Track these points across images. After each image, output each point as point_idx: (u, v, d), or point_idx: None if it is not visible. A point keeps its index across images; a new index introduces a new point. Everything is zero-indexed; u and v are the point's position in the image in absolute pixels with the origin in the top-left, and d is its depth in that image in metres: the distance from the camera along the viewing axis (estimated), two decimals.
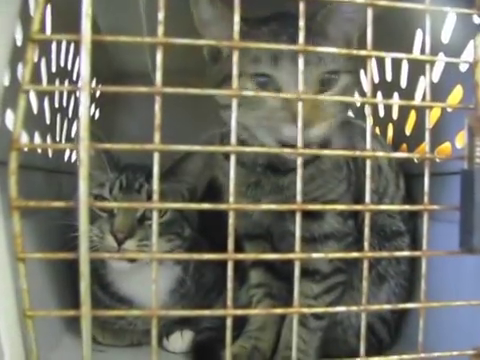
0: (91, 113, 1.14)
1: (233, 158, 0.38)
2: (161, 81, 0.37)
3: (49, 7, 0.70)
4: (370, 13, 0.40)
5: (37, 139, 0.71)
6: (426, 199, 0.42)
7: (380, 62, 0.93)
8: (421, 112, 0.80)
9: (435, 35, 0.72)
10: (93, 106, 1.15)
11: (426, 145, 0.41)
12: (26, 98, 0.38)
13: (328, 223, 0.65)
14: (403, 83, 0.84)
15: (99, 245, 0.69)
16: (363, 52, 0.41)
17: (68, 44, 0.82)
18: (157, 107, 0.36)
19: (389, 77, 0.89)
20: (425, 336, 0.41)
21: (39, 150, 0.73)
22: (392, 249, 0.73)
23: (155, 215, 0.38)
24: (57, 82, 0.79)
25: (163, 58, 0.37)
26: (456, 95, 0.69)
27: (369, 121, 0.40)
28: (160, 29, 0.38)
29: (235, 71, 0.38)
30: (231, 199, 0.38)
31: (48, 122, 0.77)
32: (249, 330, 0.72)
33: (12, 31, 0.46)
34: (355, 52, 0.41)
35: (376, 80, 0.95)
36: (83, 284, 0.37)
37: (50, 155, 0.78)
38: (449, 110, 0.71)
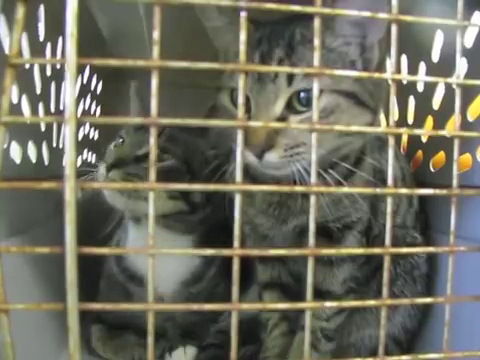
0: (92, 111, 1.10)
1: (238, 198, 0.33)
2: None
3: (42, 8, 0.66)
4: (394, 30, 0.36)
5: (30, 148, 0.67)
6: (452, 239, 0.37)
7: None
8: (439, 118, 0.75)
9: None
10: (94, 103, 1.10)
11: (454, 179, 0.37)
12: (5, 131, 0.33)
13: (347, 246, 0.62)
14: (420, 87, 0.79)
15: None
16: (386, 75, 0.36)
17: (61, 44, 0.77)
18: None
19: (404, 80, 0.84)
20: None
21: (33, 159, 0.69)
22: (408, 265, 0.70)
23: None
24: (53, 85, 0.74)
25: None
26: (478, 106, 0.65)
27: (392, 153, 0.35)
28: (155, 50, 0.33)
29: (241, 99, 0.34)
30: (236, 244, 0.34)
31: (43, 129, 0.72)
32: (267, 357, 0.69)
33: None
34: (377, 75, 0.36)
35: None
36: (72, 337, 0.33)
37: (46, 163, 0.74)
38: (470, 120, 0.66)
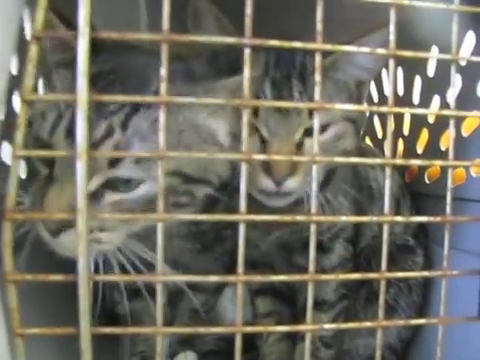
0: None
1: (242, 229, 0.35)
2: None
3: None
4: (392, 65, 0.37)
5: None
6: (445, 264, 0.39)
7: None
8: (434, 131, 0.77)
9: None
10: None
11: (447, 206, 0.39)
12: (18, 164, 0.35)
13: (337, 255, 0.65)
14: (415, 99, 0.81)
15: None
16: (384, 109, 0.37)
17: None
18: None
19: (401, 91, 0.86)
20: None
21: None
22: (402, 270, 0.71)
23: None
24: None
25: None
26: (472, 121, 0.67)
27: (389, 183, 0.37)
28: (163, 86, 0.35)
29: (245, 133, 0.35)
30: (240, 270, 0.36)
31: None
32: None
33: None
34: (375, 108, 0.38)
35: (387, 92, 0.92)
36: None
37: None
38: (464, 135, 0.68)
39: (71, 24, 0.44)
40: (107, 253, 0.46)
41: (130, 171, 0.44)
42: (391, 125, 0.37)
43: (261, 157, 0.38)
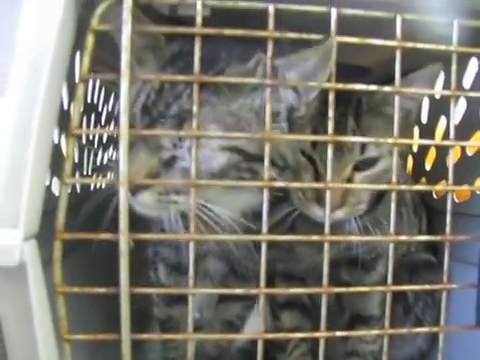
0: None
1: (264, 247, 0.40)
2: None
3: None
4: (397, 102, 0.42)
5: None
6: (445, 278, 0.44)
7: None
8: (441, 149, 0.81)
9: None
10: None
11: (447, 227, 0.43)
12: (66, 189, 0.40)
13: (379, 274, 0.67)
14: (424, 119, 0.85)
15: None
16: (390, 140, 0.42)
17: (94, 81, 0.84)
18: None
19: None
20: None
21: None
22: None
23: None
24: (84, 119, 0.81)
25: None
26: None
27: (393, 207, 0.42)
28: (194, 122, 0.40)
29: (266, 162, 0.40)
30: (262, 284, 0.40)
31: (77, 160, 0.79)
32: None
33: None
34: (381, 140, 0.42)
35: None
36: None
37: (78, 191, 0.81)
38: (469, 154, 0.72)
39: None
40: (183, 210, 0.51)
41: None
42: (396, 155, 0.42)
43: (280, 184, 0.43)
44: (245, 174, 0.51)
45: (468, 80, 0.72)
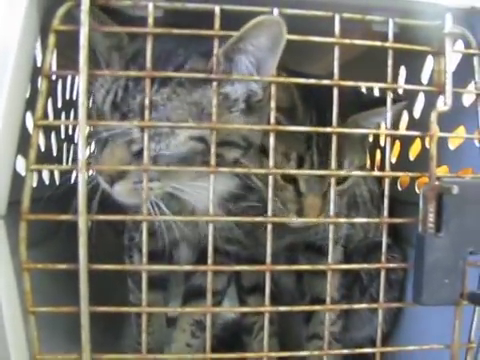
0: None
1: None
2: None
3: None
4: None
5: (44, 172, 0.77)
6: (383, 258, 0.48)
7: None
8: (405, 144, 0.85)
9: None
10: None
11: (385, 211, 0.47)
12: (32, 175, 0.44)
13: (334, 258, 0.71)
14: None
15: None
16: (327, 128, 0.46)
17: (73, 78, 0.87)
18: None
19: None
20: None
21: (46, 181, 0.79)
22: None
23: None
24: (63, 115, 0.85)
25: None
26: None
27: (333, 192, 0.45)
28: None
29: (213, 149, 0.44)
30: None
31: (55, 154, 0.83)
32: None
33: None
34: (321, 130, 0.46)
35: None
36: (83, 333, 0.44)
37: (57, 183, 0.85)
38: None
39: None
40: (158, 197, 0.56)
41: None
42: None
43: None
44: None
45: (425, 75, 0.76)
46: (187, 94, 0.54)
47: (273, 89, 0.46)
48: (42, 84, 0.44)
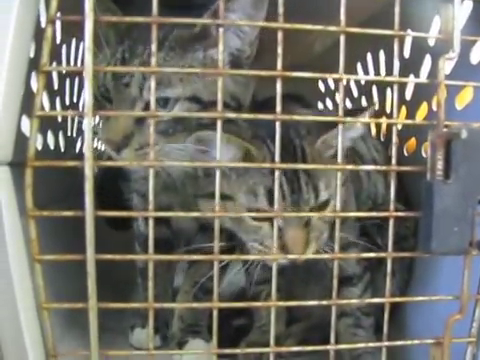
0: None
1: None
2: None
3: None
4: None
5: (49, 137, 0.77)
6: (392, 207, 0.47)
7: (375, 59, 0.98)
8: (411, 107, 0.84)
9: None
10: None
11: (393, 158, 0.47)
12: (39, 122, 0.43)
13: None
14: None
15: None
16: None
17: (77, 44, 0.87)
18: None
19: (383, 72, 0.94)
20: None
21: (51, 146, 0.79)
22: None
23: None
24: (67, 82, 0.85)
25: None
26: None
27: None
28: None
29: (220, 96, 0.44)
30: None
31: (60, 120, 0.83)
32: (262, 325, 0.78)
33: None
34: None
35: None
36: (90, 280, 0.44)
37: (62, 149, 0.85)
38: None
39: None
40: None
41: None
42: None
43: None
44: (204, 119, 0.58)
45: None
46: (179, 59, 0.60)
47: None
48: (47, 30, 0.43)
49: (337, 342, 0.48)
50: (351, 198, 0.72)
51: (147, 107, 0.57)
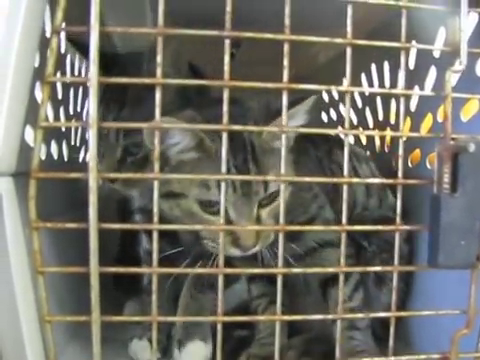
0: None
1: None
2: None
3: None
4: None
5: (53, 147, 0.77)
6: (398, 220, 0.47)
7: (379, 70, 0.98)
8: (416, 119, 0.84)
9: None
10: None
11: (399, 170, 0.46)
12: (43, 133, 0.43)
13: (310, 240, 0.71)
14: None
15: None
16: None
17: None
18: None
19: (387, 83, 0.94)
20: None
21: (55, 156, 0.79)
22: (382, 244, 0.77)
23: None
24: (72, 91, 0.85)
25: None
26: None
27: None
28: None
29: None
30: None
31: (63, 130, 0.83)
32: (261, 337, 0.76)
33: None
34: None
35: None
36: (93, 293, 0.43)
37: (65, 159, 0.85)
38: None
39: None
40: None
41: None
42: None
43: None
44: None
45: None
46: None
47: None
48: (52, 41, 0.43)
49: (333, 347, 0.47)
50: (326, 206, 0.74)
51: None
